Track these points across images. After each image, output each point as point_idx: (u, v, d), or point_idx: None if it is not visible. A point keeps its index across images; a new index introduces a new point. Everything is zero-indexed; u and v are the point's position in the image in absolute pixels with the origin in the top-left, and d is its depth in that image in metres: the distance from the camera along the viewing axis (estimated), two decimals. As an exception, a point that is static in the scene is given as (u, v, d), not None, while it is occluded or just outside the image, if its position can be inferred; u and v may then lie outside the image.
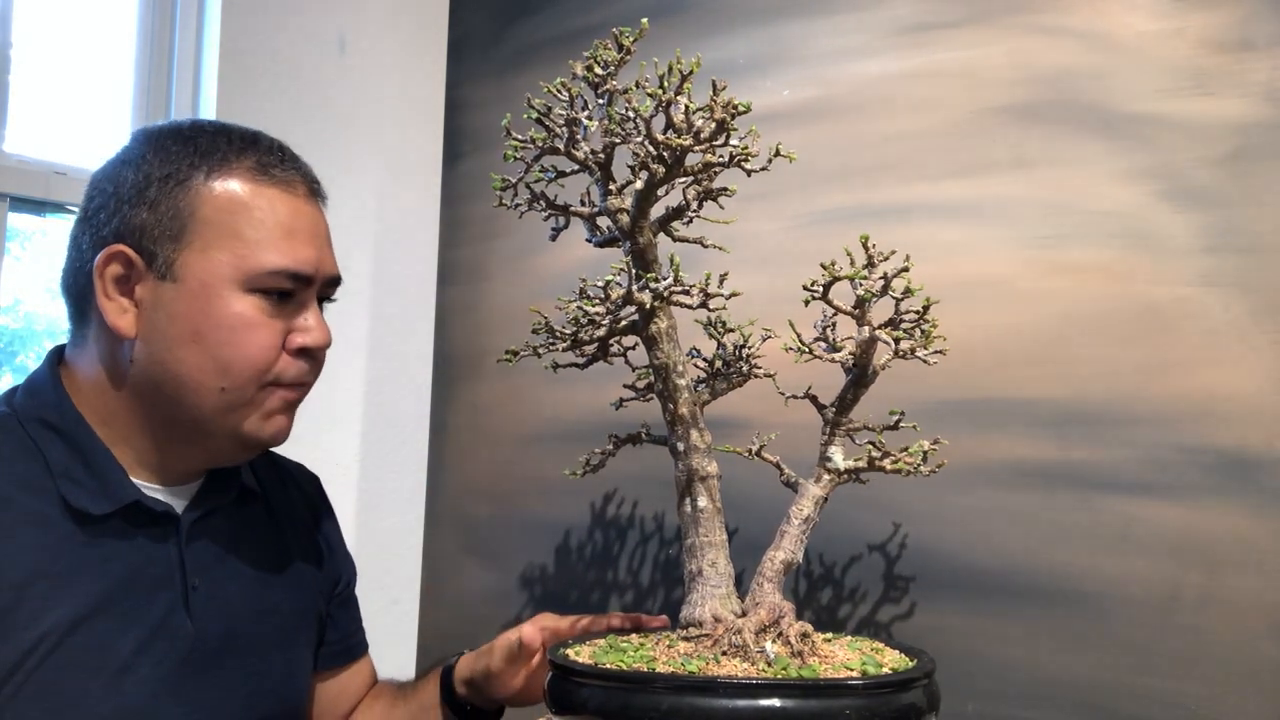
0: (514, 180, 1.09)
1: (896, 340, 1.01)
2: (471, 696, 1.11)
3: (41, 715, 0.82)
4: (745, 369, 1.11)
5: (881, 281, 1.02)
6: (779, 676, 0.91)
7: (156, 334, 0.89)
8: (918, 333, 1.03)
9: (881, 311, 1.03)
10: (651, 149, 0.98)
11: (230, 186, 0.90)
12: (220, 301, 0.89)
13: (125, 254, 0.88)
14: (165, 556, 0.92)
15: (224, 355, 0.90)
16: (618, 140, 1.00)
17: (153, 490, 0.93)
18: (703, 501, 1.04)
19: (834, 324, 1.05)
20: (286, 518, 1.07)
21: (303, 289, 0.94)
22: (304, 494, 1.13)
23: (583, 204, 1.11)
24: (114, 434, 0.92)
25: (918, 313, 1.04)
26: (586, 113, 1.02)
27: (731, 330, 1.13)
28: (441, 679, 1.13)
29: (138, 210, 0.89)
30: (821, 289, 1.02)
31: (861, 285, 1.01)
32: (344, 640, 1.13)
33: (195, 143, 0.92)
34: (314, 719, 1.12)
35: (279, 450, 1.04)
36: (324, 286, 0.98)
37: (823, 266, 1.02)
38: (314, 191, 0.97)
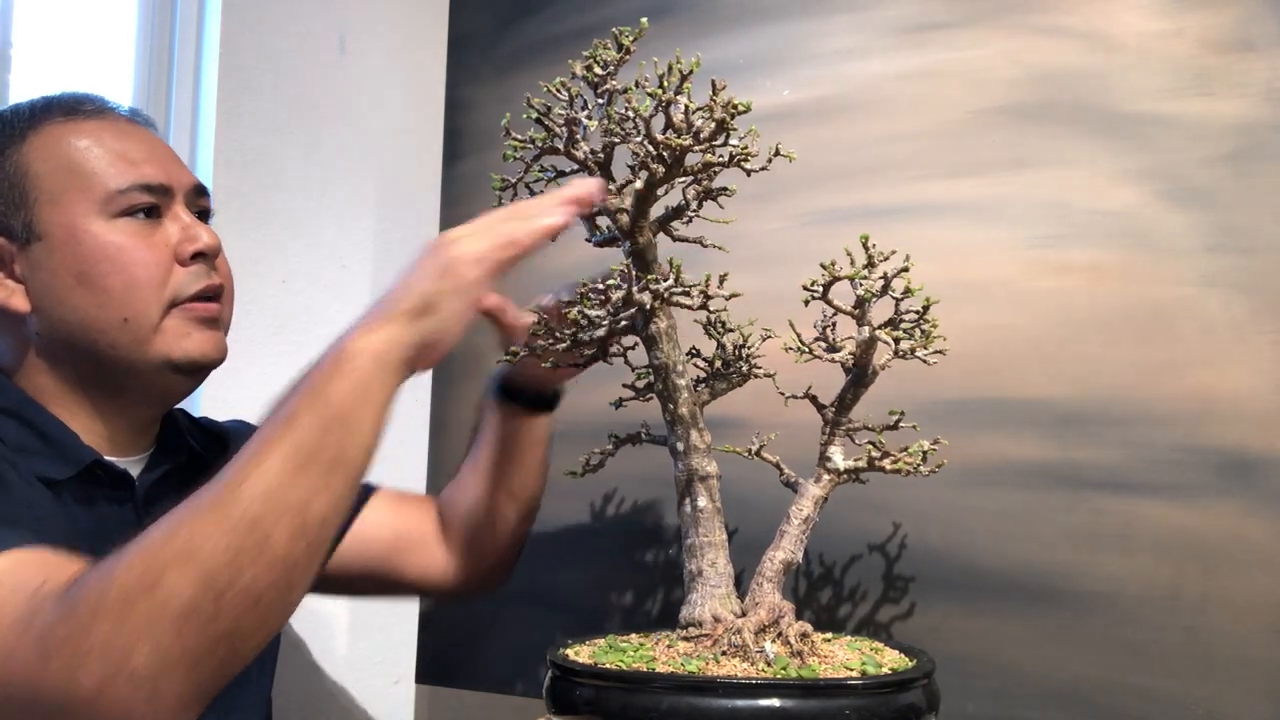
0: (514, 180, 1.09)
1: (896, 340, 1.01)
2: (522, 386, 1.18)
3: None
4: (745, 369, 1.11)
5: (881, 281, 1.02)
6: (779, 676, 0.91)
7: (47, 296, 0.90)
8: (918, 333, 1.03)
9: (881, 311, 1.03)
10: (651, 149, 0.98)
11: (47, 136, 0.93)
12: (90, 237, 0.90)
13: None
14: (125, 520, 0.92)
15: (113, 285, 0.90)
16: (617, 140, 1.00)
17: (107, 458, 0.93)
18: (703, 501, 1.04)
19: (834, 324, 1.05)
20: None
21: (166, 202, 0.94)
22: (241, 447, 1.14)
23: (582, 204, 1.11)
24: (56, 410, 0.92)
25: (918, 313, 1.04)
26: (586, 112, 1.02)
27: (731, 330, 1.13)
28: (496, 390, 1.20)
29: None
30: (821, 289, 1.02)
31: (861, 285, 1.01)
32: None
33: None
34: (376, 574, 1.17)
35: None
36: (195, 200, 0.97)
37: (823, 266, 1.02)
38: (136, 119, 0.98)
